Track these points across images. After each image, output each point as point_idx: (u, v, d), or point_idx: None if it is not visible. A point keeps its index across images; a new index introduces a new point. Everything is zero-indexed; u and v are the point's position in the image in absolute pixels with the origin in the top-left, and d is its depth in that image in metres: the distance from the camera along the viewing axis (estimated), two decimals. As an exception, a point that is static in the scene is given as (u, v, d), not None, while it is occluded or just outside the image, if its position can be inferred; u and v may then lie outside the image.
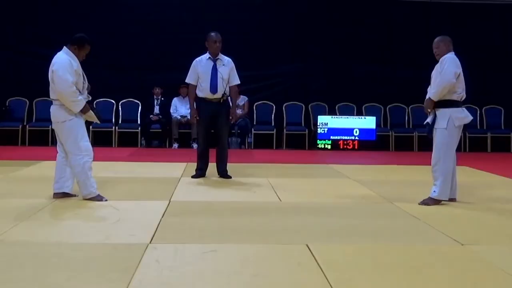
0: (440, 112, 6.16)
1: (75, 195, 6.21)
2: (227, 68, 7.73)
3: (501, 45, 13.82)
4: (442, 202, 6.21)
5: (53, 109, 6.21)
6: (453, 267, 3.97)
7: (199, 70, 7.74)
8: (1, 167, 8.64)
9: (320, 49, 13.65)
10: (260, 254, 4.24)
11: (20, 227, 4.90)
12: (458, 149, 6.48)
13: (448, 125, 6.10)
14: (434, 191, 6.21)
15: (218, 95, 7.67)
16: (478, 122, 13.60)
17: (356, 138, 12.84)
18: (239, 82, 7.93)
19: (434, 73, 6.30)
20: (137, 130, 12.94)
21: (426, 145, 12.67)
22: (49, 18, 13.17)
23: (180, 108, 13.07)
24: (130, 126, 13.07)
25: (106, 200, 6.05)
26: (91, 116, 6.12)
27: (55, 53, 6.20)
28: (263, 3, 13.59)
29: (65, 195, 6.15)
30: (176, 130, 12.77)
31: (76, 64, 6.02)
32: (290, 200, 6.41)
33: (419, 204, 6.18)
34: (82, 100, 5.98)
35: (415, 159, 10.82)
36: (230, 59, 7.83)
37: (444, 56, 6.21)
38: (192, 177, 7.77)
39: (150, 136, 13.02)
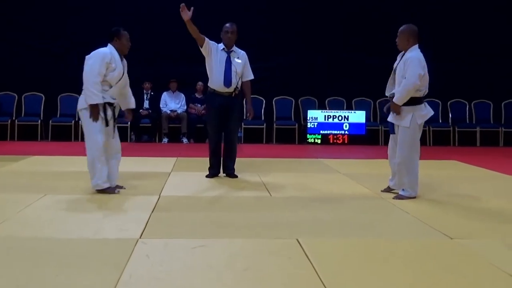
0: (403, 110, 6.14)
1: (121, 187, 6.40)
2: (241, 61, 7.41)
3: (491, 38, 13.85)
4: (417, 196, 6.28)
5: (80, 97, 6.17)
6: (443, 261, 3.99)
7: (212, 55, 7.33)
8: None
9: (309, 43, 13.66)
10: (250, 248, 4.24)
11: (9, 222, 4.88)
12: (423, 143, 6.51)
13: (411, 123, 6.11)
14: (403, 190, 6.27)
15: (231, 89, 7.31)
16: (467, 116, 13.68)
17: (346, 132, 12.87)
18: (253, 77, 7.58)
19: (397, 71, 6.23)
20: (126, 125, 12.89)
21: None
22: (39, 11, 13.09)
23: (170, 103, 13.05)
24: (119, 120, 12.85)
25: (118, 192, 6.19)
26: (93, 114, 6.00)
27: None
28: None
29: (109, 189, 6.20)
30: (166, 124, 12.75)
31: (110, 57, 6.07)
32: (280, 195, 6.41)
33: (393, 198, 6.23)
34: (99, 96, 5.96)
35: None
36: (244, 52, 7.50)
37: (408, 55, 6.13)
38: (206, 176, 7.49)
39: (140, 131, 13.00)
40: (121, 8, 13.15)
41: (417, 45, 6.20)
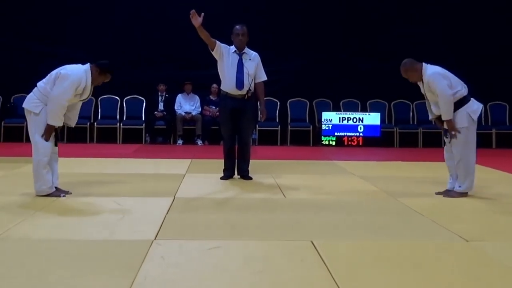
0: (456, 113, 6.25)
1: (67, 192, 6.21)
2: (253, 63, 7.34)
3: (504, 40, 13.76)
4: (468, 194, 6.41)
5: (30, 97, 6.06)
6: (458, 263, 3.96)
7: (224, 58, 7.29)
8: (6, 164, 8.67)
9: (324, 45, 13.64)
10: (264, 250, 4.24)
11: (24, 223, 4.90)
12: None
13: (468, 122, 6.25)
14: (460, 186, 6.36)
15: (243, 91, 7.25)
16: (483, 118, 13.58)
17: (361, 134, 12.83)
18: (266, 78, 7.49)
19: (427, 93, 6.39)
20: (141, 127, 12.96)
21: (430, 141, 12.80)
22: (49, 15, 13.17)
23: (185, 105, 13.08)
24: (134, 122, 13.10)
25: (64, 196, 6.04)
26: (47, 133, 5.95)
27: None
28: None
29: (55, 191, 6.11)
30: (181, 126, 12.78)
31: (84, 85, 5.92)
32: (294, 197, 6.40)
33: (443, 196, 6.40)
34: (61, 120, 5.93)
35: (419, 156, 10.82)
36: (257, 54, 7.44)
37: (425, 77, 6.27)
38: (221, 178, 7.48)
39: (155, 133, 13.05)
40: (136, 11, 13.22)
41: (423, 64, 6.36)
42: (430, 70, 6.28)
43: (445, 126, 6.35)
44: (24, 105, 6.07)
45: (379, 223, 5.20)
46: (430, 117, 6.60)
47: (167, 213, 5.36)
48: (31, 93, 6.06)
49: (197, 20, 6.87)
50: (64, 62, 6.19)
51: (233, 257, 4.05)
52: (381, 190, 6.84)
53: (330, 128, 12.85)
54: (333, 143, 12.84)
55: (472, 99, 6.35)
